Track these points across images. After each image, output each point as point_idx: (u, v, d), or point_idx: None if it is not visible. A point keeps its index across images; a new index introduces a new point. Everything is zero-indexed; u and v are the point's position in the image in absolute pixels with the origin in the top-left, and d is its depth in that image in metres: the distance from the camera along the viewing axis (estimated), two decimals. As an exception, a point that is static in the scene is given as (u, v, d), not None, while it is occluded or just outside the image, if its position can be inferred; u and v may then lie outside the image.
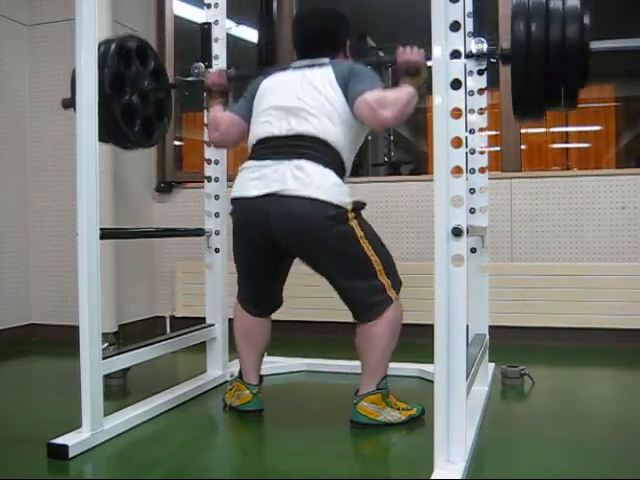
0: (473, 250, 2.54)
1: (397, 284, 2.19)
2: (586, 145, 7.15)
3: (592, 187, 3.59)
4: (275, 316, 2.41)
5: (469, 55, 2.07)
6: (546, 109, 2.03)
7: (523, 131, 4.35)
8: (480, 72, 2.53)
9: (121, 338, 3.64)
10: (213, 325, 2.80)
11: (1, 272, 3.72)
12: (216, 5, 2.78)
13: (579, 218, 3.60)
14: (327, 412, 2.40)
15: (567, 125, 6.90)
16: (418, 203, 3.80)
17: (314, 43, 2.28)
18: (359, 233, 2.10)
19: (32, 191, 3.91)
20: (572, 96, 1.91)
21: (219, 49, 2.77)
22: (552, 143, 7.10)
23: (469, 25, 2.41)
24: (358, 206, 2.12)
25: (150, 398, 2.39)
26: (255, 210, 2.14)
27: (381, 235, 2.21)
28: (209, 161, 2.77)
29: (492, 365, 2.77)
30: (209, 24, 2.77)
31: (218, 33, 2.77)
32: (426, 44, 1.81)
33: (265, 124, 2.20)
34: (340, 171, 2.12)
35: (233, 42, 4.17)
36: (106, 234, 2.14)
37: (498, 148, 3.91)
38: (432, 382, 1.69)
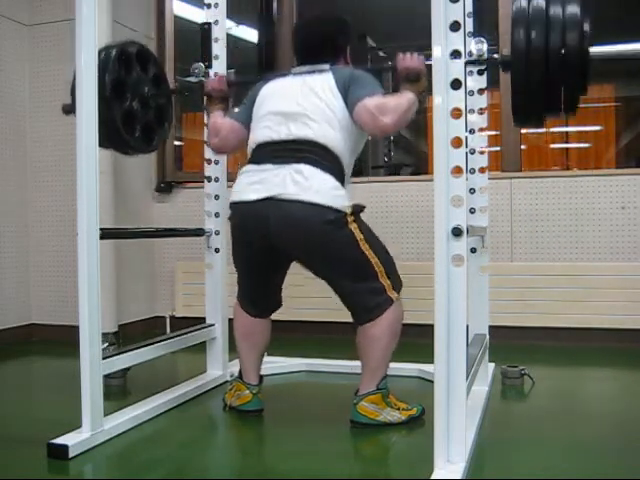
0: (473, 250, 2.54)
1: (398, 284, 2.19)
2: (586, 145, 7.14)
3: (592, 187, 3.59)
4: (275, 316, 2.41)
5: (470, 62, 2.07)
6: (546, 116, 2.03)
7: (523, 131, 4.34)
8: (480, 72, 2.53)
9: (121, 338, 3.64)
10: (213, 325, 2.80)
11: (1, 272, 3.72)
12: (216, 5, 2.78)
13: (579, 218, 3.60)
14: (327, 412, 2.40)
15: (567, 125, 6.89)
16: (418, 203, 3.80)
17: (314, 49, 2.28)
18: (359, 236, 2.10)
19: (32, 191, 3.91)
20: (572, 103, 1.91)
21: (219, 49, 2.77)
22: (552, 143, 7.09)
23: (469, 25, 2.42)
24: (357, 209, 2.12)
25: (150, 398, 2.39)
26: (254, 214, 2.14)
27: (381, 235, 2.21)
28: (209, 161, 2.77)
29: (492, 365, 2.77)
30: (209, 24, 2.77)
31: (218, 33, 2.77)
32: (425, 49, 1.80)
33: (265, 129, 2.20)
34: (340, 176, 2.11)
35: (233, 42, 4.16)
36: (106, 234, 2.14)
37: (498, 148, 3.91)
38: (432, 382, 1.69)
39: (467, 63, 1.90)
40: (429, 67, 1.74)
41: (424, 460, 1.72)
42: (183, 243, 4.09)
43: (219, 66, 2.76)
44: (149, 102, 2.60)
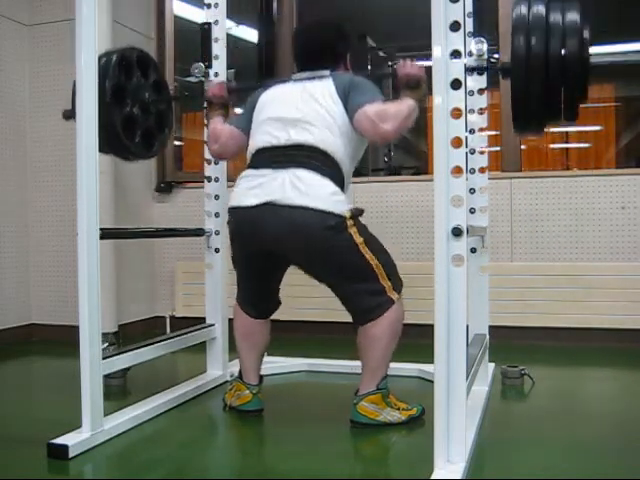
0: (473, 250, 2.54)
1: (398, 285, 2.19)
2: (586, 145, 7.14)
3: (592, 187, 3.59)
4: (275, 316, 2.41)
5: (470, 69, 2.07)
6: (546, 123, 2.03)
7: (523, 131, 4.33)
8: (480, 72, 2.53)
9: (121, 338, 3.64)
10: (213, 325, 2.80)
11: (1, 272, 3.72)
12: (216, 5, 2.78)
13: (579, 218, 3.60)
14: (327, 412, 2.40)
15: (567, 125, 6.88)
16: (418, 203, 3.80)
17: (314, 55, 2.28)
18: (359, 240, 2.09)
19: (32, 191, 3.91)
20: (572, 110, 1.91)
21: (219, 49, 2.77)
22: (552, 143, 7.09)
23: (469, 25, 2.42)
24: (356, 213, 2.11)
25: (150, 398, 2.39)
26: (253, 219, 2.13)
27: (381, 235, 2.21)
28: (209, 161, 2.77)
29: (492, 365, 2.77)
30: (209, 24, 2.77)
31: (218, 33, 2.77)
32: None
33: (264, 134, 2.20)
34: (339, 181, 2.11)
35: (233, 42, 4.15)
36: (106, 234, 2.14)
37: (498, 148, 3.91)
38: (432, 382, 1.69)
39: (467, 70, 1.90)
40: (429, 67, 1.74)
41: (424, 460, 1.72)
42: (183, 243, 4.09)
43: (219, 66, 2.76)
44: (149, 108, 2.60)
